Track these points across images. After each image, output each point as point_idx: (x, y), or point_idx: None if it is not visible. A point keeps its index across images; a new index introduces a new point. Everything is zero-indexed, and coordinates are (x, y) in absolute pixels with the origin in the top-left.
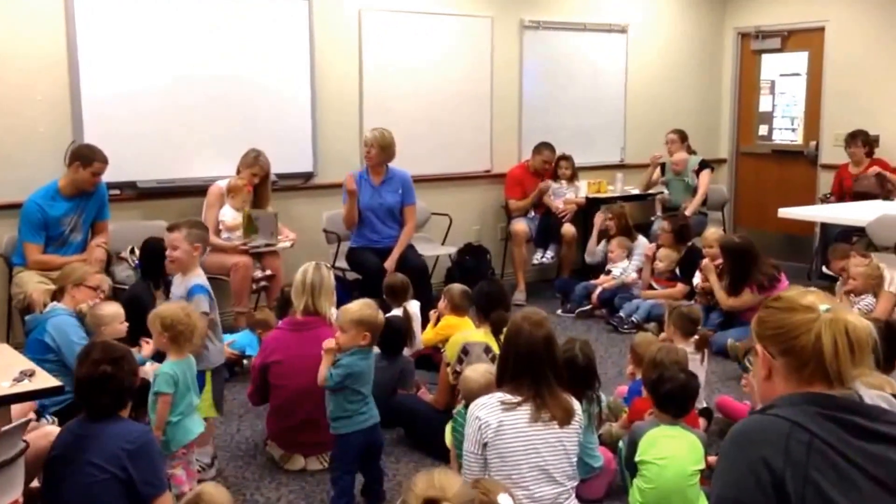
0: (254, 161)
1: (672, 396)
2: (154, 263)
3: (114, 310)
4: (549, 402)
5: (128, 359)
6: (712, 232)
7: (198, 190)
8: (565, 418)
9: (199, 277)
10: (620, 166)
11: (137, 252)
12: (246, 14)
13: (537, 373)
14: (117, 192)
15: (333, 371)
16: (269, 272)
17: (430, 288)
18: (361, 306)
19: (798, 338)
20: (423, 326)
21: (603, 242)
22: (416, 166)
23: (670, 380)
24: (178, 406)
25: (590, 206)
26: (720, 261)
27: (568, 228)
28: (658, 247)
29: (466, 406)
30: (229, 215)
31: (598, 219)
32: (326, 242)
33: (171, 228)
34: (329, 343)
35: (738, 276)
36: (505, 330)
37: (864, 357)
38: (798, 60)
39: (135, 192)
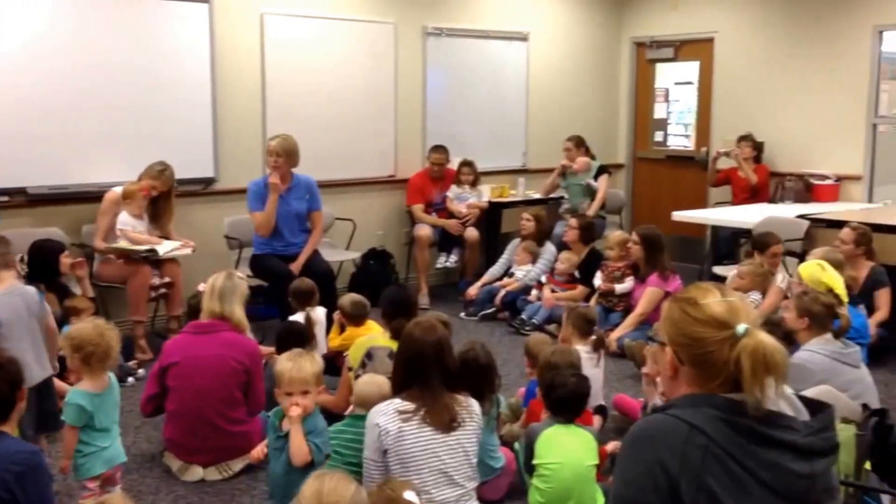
0: (158, 174)
1: (563, 401)
2: (43, 266)
3: None
4: (435, 408)
5: (5, 370)
6: (617, 234)
7: (94, 196)
8: (449, 425)
9: None
10: (523, 171)
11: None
12: (145, 15)
13: (425, 379)
14: (6, 198)
15: (316, 441)
16: (167, 279)
17: (335, 293)
18: (311, 359)
19: (711, 353)
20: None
21: (511, 245)
22: (321, 171)
23: (561, 385)
24: (94, 438)
25: (493, 210)
26: (622, 264)
27: (471, 232)
28: (563, 245)
29: (357, 415)
30: (129, 223)
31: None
32: (228, 248)
33: None
34: (295, 410)
35: (651, 263)
36: None
37: (780, 379)
38: (690, 69)
39: (25, 199)
